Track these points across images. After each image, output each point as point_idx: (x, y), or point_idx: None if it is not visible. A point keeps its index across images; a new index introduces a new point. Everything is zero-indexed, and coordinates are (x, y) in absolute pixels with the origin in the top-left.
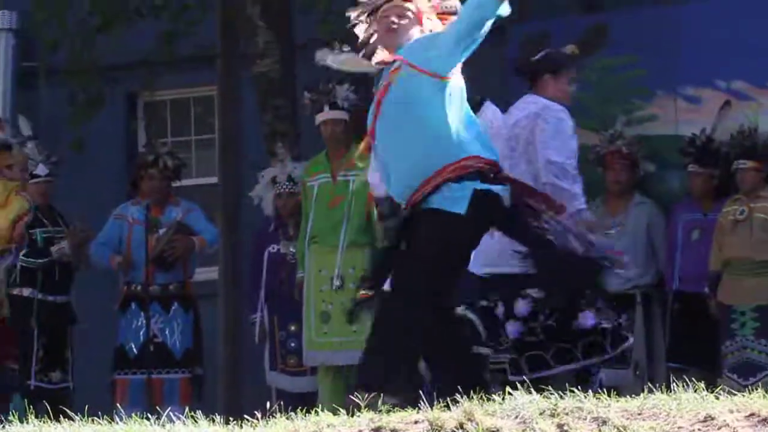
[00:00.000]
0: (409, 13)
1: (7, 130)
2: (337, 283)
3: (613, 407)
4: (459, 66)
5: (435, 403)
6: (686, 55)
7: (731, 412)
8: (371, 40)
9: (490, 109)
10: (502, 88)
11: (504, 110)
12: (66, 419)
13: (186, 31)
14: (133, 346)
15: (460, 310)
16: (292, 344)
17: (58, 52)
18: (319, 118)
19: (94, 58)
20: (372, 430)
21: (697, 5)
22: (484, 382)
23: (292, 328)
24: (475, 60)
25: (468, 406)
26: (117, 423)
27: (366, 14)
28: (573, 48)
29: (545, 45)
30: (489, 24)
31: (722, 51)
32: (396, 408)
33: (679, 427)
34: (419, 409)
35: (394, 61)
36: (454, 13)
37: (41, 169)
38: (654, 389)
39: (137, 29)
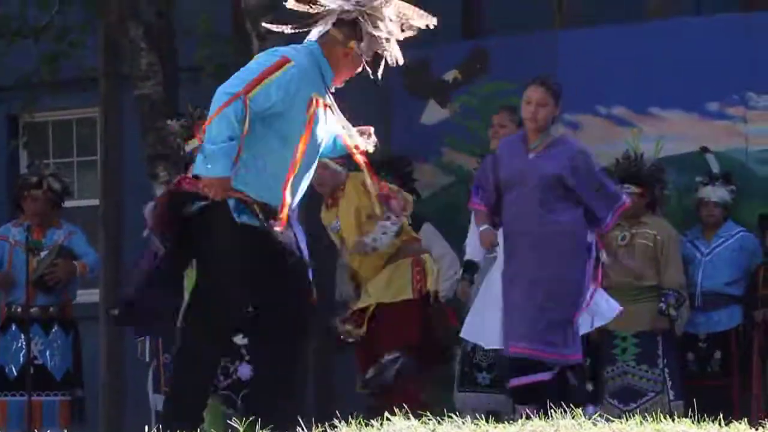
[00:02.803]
0: None
1: None
2: None
3: None
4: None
5: (314, 428)
6: (566, 80)
7: None
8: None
9: None
10: (384, 115)
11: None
12: None
13: (68, 52)
14: (12, 367)
15: None
16: None
17: None
18: (190, 145)
19: None
20: None
21: (576, 32)
22: None
23: None
24: (357, 88)
25: None
26: None
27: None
28: (455, 73)
29: (426, 71)
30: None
31: (602, 77)
32: None
33: None
34: None
35: None
36: None
37: None
38: (531, 415)
39: (19, 50)
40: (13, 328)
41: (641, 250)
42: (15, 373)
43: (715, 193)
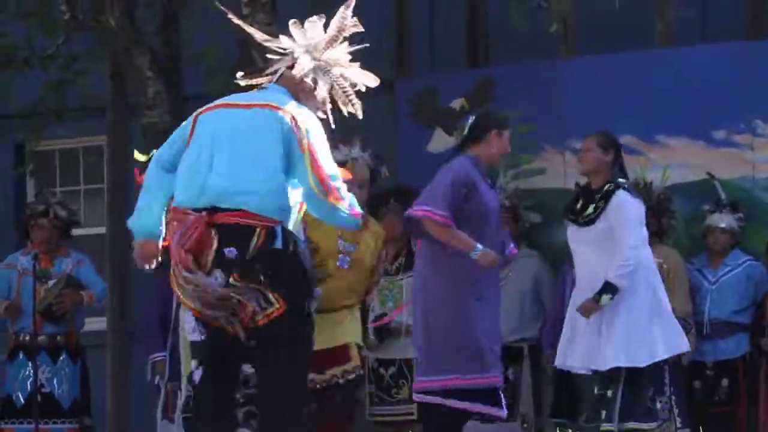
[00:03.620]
0: None
1: None
2: None
3: None
4: None
5: None
6: (573, 108)
7: None
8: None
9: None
10: (391, 143)
11: None
12: None
13: (75, 80)
14: (20, 395)
15: None
16: None
17: None
18: None
19: None
20: None
21: (582, 60)
22: None
23: None
24: (365, 116)
25: None
26: None
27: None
28: (462, 102)
29: (433, 99)
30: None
31: (609, 105)
32: None
33: None
34: None
35: None
36: None
37: None
38: None
39: (26, 78)
40: (21, 356)
41: None
42: (22, 401)
43: (723, 220)
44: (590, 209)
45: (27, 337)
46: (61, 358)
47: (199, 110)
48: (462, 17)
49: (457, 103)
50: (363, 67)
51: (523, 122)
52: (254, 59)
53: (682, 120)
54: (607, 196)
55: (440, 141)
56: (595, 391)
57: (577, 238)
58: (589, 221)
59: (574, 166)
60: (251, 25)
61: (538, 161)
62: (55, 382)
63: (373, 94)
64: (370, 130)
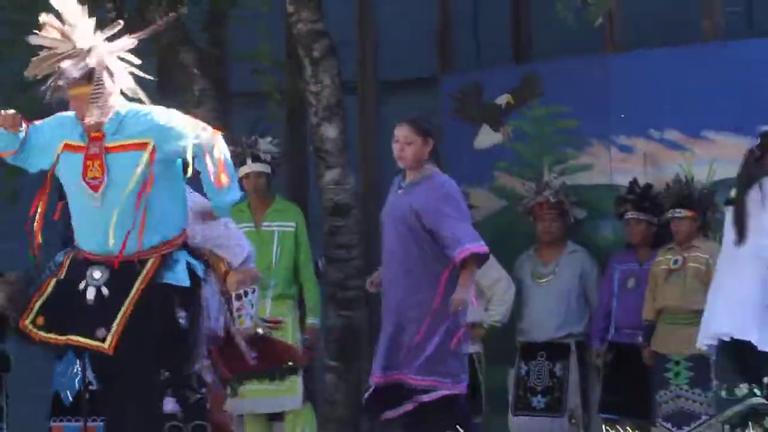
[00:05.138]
0: None
1: None
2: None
3: None
4: None
5: None
6: (619, 104)
7: None
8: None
9: None
10: (437, 138)
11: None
12: None
13: None
14: (68, 393)
15: None
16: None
17: None
18: (242, 171)
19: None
20: None
21: (628, 55)
22: None
23: None
24: (411, 111)
25: None
26: None
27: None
28: (508, 98)
29: (477, 95)
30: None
31: (654, 100)
32: None
33: None
34: None
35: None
36: None
37: None
38: None
39: None
40: (69, 354)
41: (693, 273)
42: (71, 399)
43: None
44: None
45: None
46: None
47: None
48: (506, 12)
49: (502, 100)
50: (406, 62)
51: (568, 118)
52: (300, 56)
53: (728, 115)
54: None
55: (486, 137)
56: None
57: None
58: None
59: (621, 161)
60: (297, 22)
61: (584, 157)
62: None
63: (417, 90)
64: None
